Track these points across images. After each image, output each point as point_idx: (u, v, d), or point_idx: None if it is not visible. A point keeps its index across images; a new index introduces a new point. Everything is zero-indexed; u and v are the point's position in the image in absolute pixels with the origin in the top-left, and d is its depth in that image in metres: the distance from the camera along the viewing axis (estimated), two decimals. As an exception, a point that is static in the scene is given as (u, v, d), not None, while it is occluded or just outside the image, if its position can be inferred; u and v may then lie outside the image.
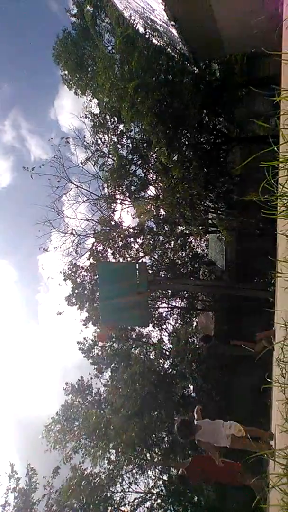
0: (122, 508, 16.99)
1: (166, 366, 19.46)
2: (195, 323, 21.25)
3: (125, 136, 13.44)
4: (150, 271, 16.24)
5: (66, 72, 16.41)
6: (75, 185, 15.16)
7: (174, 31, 11.29)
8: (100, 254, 15.92)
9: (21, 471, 16.30)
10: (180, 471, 6.97)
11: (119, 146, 13.38)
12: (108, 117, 13.13)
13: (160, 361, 19.32)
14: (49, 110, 49.57)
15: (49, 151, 27.18)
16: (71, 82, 16.33)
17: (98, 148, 14.15)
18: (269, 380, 3.29)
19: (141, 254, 16.71)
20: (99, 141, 13.97)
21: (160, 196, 13.24)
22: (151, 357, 19.72)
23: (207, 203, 13.58)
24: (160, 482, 18.20)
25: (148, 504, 17.48)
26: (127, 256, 16.39)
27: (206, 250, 21.36)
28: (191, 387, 18.25)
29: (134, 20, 11.98)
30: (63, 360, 48.42)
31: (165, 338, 20.47)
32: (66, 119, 51.41)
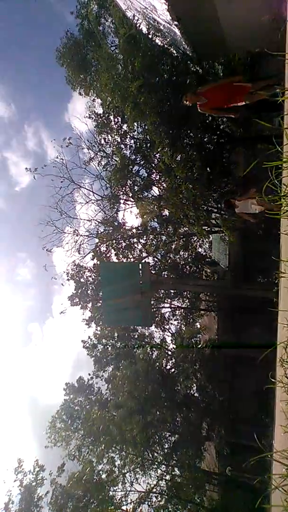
0: (124, 508, 17.01)
1: (169, 366, 19.48)
2: (198, 324, 21.22)
3: (128, 136, 13.44)
4: (153, 271, 16.23)
5: (69, 73, 16.43)
6: (77, 185, 15.24)
7: (177, 30, 11.26)
8: (104, 255, 15.96)
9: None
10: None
11: (122, 146, 13.39)
12: (111, 117, 13.13)
13: (163, 361, 19.35)
14: (64, 114, 50.77)
15: (64, 153, 27.39)
16: (74, 83, 16.34)
17: (101, 148, 14.18)
18: (272, 380, 3.29)
19: (144, 254, 16.71)
20: (102, 141, 14.01)
21: (163, 196, 13.22)
22: (153, 356, 19.75)
23: (210, 203, 13.54)
24: (163, 482, 18.18)
25: (150, 503, 17.50)
26: (130, 256, 16.40)
27: (209, 250, 21.32)
28: (194, 386, 18.24)
29: (137, 20, 11.96)
30: (74, 355, 49.83)
31: (168, 339, 20.50)
32: (77, 121, 52.27)
